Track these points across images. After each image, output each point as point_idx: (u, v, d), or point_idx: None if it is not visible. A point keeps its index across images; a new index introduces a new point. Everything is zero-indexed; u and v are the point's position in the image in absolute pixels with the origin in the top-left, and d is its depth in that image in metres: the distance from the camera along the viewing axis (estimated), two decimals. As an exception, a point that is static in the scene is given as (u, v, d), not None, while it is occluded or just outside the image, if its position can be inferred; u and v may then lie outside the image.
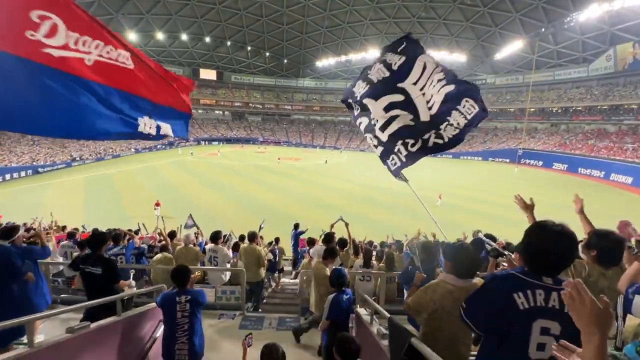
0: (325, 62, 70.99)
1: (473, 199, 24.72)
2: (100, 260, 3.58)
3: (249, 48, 70.64)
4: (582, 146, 44.88)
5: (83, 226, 13.20)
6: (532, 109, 53.35)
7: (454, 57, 59.40)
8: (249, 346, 2.65)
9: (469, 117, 3.59)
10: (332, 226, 6.91)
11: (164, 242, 6.57)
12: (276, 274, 8.76)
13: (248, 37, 67.75)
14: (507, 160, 49.61)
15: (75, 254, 6.24)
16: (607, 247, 2.40)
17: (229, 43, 67.93)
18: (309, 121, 79.18)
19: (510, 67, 59.22)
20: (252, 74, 76.93)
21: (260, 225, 9.08)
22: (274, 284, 8.52)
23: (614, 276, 2.38)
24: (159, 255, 5.95)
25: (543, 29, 47.20)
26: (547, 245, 1.50)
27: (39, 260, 3.74)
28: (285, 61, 75.27)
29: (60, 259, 6.71)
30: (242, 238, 8.74)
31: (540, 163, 46.03)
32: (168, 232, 6.92)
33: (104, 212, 19.72)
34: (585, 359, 0.97)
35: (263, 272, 6.27)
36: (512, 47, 51.22)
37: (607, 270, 2.40)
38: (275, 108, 78.41)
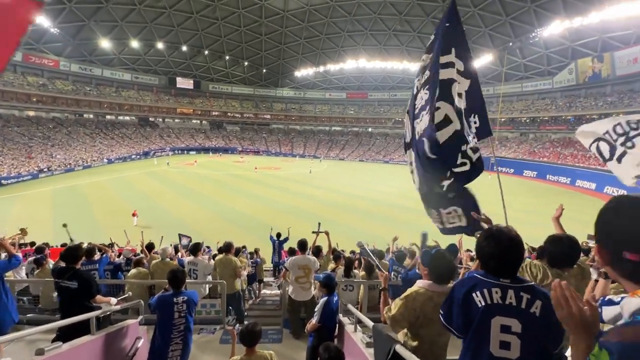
0: (304, 72, 71.57)
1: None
2: (76, 274, 3.46)
3: (227, 57, 70.30)
4: (550, 154, 47.18)
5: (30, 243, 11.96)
6: (502, 119, 55.74)
7: (429, 69, 61.38)
8: (237, 334, 2.84)
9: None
10: (317, 235, 6.92)
11: (138, 257, 6.35)
12: (255, 285, 8.63)
13: (226, 46, 67.49)
14: (481, 168, 51.35)
15: (37, 272, 5.93)
16: (558, 251, 2.55)
17: (206, 52, 67.39)
18: (288, 130, 79.26)
19: (482, 79, 61.14)
20: (231, 84, 76.42)
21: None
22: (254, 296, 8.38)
23: (570, 277, 2.52)
24: (133, 271, 5.72)
25: (510, 44, 49.81)
26: (492, 248, 1.60)
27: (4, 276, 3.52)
28: (264, 71, 75.37)
29: (24, 276, 6.35)
30: (221, 250, 8.59)
31: (512, 170, 47.93)
32: (146, 244, 6.70)
33: (75, 225, 18.74)
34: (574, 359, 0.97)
35: (239, 283, 6.16)
36: (483, 60, 53.62)
37: (563, 272, 2.53)
38: (254, 117, 78.05)
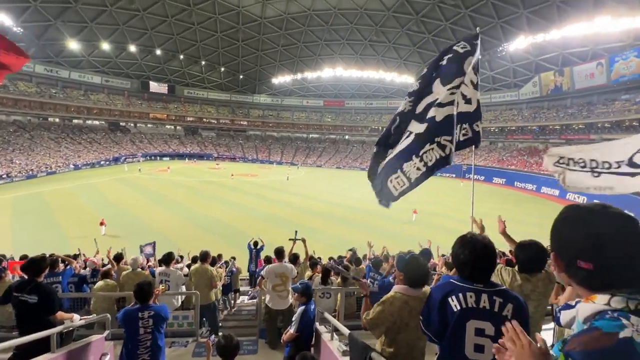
0: (281, 79, 71.57)
1: (427, 212, 25.95)
2: (37, 288, 3.24)
3: (203, 63, 69.25)
4: (517, 162, 49.46)
5: None
6: (473, 128, 57.97)
7: (403, 79, 63.22)
8: (213, 345, 2.75)
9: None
10: (294, 243, 6.85)
11: (106, 268, 6.04)
12: (231, 295, 8.43)
13: (202, 51, 66.53)
14: (454, 175, 53.00)
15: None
16: (527, 257, 2.70)
17: (181, 57, 66.11)
18: (266, 137, 78.76)
19: (453, 89, 64.37)
20: (206, 89, 75.19)
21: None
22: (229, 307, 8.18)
23: (538, 281, 2.66)
24: (100, 283, 5.41)
25: (480, 57, 52.16)
26: (468, 255, 1.67)
27: None
28: (241, 77, 74.79)
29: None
30: (194, 259, 8.36)
31: (482, 178, 49.75)
32: (114, 255, 6.40)
33: (37, 235, 17.68)
34: None
35: (214, 294, 6.00)
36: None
37: (531, 276, 2.67)
38: (231, 123, 77.04)
